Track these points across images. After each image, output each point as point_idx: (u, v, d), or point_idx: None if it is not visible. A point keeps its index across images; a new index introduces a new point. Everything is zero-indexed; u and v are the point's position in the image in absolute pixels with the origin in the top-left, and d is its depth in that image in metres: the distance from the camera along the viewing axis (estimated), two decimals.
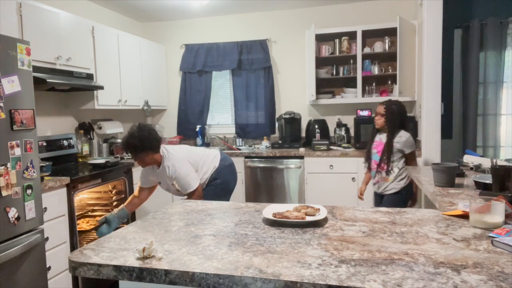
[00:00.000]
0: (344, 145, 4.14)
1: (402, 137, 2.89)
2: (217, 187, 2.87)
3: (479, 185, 1.92)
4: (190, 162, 2.76)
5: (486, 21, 3.97)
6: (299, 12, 4.54)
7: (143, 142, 2.56)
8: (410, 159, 2.95)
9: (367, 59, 4.20)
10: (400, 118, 2.93)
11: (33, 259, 2.31)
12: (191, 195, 2.70)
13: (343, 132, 4.28)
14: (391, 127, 2.91)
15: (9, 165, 2.12)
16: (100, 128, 3.91)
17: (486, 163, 2.41)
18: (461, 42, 4.13)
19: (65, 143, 3.43)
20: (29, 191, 2.26)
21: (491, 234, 1.27)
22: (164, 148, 2.73)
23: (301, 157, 3.98)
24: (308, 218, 1.47)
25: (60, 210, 2.68)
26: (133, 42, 4.14)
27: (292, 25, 4.57)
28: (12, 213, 2.15)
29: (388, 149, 2.90)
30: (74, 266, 1.17)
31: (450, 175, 2.03)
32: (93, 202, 3.43)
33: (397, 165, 2.93)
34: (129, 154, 2.69)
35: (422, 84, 3.49)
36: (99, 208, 3.41)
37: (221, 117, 4.97)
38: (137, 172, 3.56)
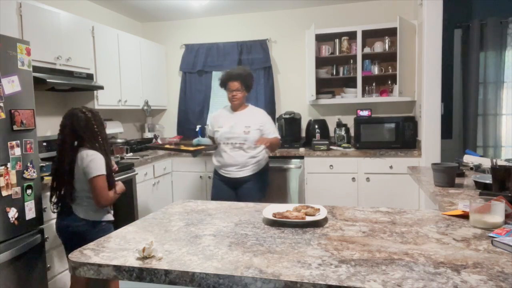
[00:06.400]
0: (344, 145, 4.14)
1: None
2: None
3: (479, 185, 1.92)
4: None
5: (486, 21, 3.97)
6: (299, 12, 4.54)
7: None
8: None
9: (367, 59, 4.19)
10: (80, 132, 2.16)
11: (33, 259, 2.31)
12: None
13: (343, 132, 4.27)
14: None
15: (9, 165, 2.13)
16: None
17: (486, 163, 2.40)
18: (461, 42, 4.13)
19: None
20: (29, 191, 2.26)
21: (491, 234, 1.27)
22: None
23: (301, 157, 3.97)
24: (308, 218, 1.47)
25: None
26: (133, 42, 4.14)
27: (292, 25, 4.56)
28: (12, 213, 2.15)
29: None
30: (74, 266, 1.17)
31: (450, 175, 2.02)
32: None
33: None
34: None
35: (422, 84, 3.49)
36: None
37: None
38: (139, 171, 3.56)
